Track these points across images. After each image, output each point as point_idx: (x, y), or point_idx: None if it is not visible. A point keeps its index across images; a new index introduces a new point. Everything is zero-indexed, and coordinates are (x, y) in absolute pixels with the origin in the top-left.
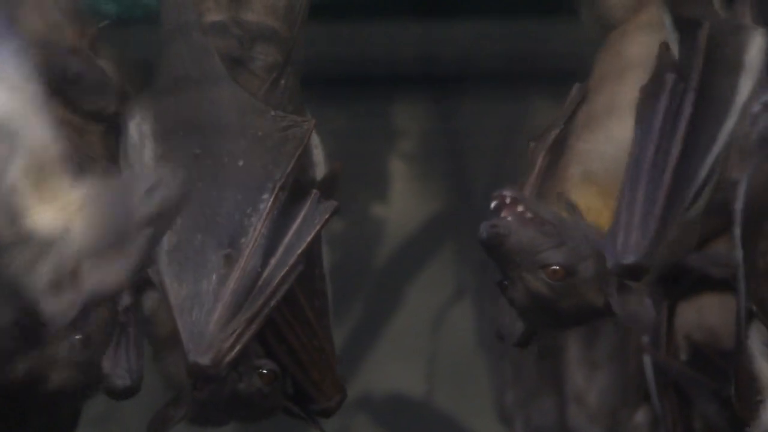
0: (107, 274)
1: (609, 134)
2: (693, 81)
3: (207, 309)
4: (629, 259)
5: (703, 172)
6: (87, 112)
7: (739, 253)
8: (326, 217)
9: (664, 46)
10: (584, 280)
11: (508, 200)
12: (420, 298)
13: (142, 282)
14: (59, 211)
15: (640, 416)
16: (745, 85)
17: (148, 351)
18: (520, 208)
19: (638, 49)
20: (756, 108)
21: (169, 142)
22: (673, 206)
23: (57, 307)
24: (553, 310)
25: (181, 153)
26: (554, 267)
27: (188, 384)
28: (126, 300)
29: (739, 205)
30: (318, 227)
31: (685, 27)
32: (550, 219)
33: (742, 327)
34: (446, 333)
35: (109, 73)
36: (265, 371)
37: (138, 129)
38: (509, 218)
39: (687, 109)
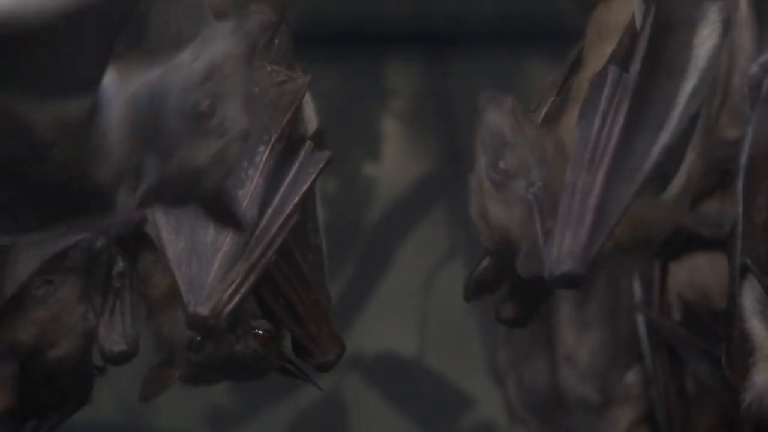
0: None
1: None
2: (632, 72)
3: (206, 260)
4: (561, 269)
5: (647, 167)
6: None
7: (739, 208)
8: (320, 166)
9: (627, 30)
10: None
11: (507, 104)
12: (412, 257)
13: (135, 242)
14: None
15: (632, 376)
16: (694, 71)
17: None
18: (510, 112)
19: (624, 18)
20: (754, 68)
21: None
22: (606, 209)
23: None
24: (484, 207)
25: None
26: (505, 167)
27: (183, 346)
28: (120, 265)
29: (743, 160)
30: (313, 177)
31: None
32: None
33: (736, 284)
34: (438, 293)
35: None
36: (260, 332)
37: None
38: (506, 103)
39: (624, 105)
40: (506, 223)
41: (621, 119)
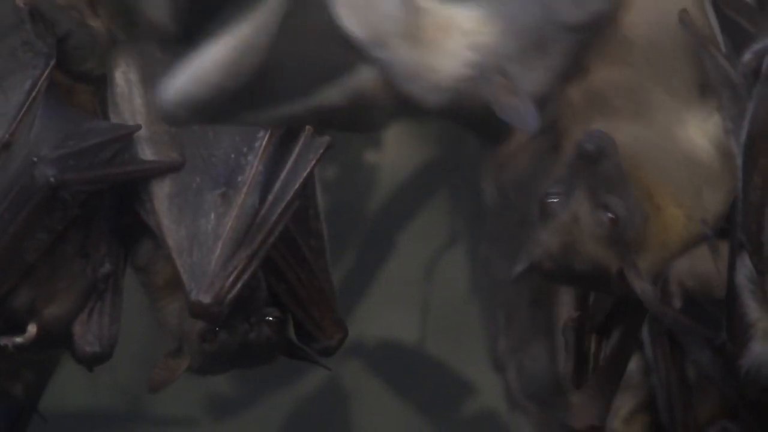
0: (533, 76)
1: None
2: None
3: (207, 248)
4: None
5: None
6: (75, 73)
7: (739, 185)
8: (320, 152)
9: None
10: (621, 242)
11: (618, 150)
12: (413, 244)
13: (132, 232)
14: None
15: (632, 364)
16: None
17: (143, 302)
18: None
19: (645, 27)
20: (747, 56)
21: None
22: None
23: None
24: (573, 240)
25: None
26: (614, 216)
27: (195, 336)
28: (106, 267)
29: (742, 138)
30: (313, 163)
31: (736, 34)
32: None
33: (734, 262)
34: (439, 280)
35: (100, 34)
36: (272, 318)
37: (125, 77)
38: (617, 149)
39: None
40: (603, 261)
41: None
